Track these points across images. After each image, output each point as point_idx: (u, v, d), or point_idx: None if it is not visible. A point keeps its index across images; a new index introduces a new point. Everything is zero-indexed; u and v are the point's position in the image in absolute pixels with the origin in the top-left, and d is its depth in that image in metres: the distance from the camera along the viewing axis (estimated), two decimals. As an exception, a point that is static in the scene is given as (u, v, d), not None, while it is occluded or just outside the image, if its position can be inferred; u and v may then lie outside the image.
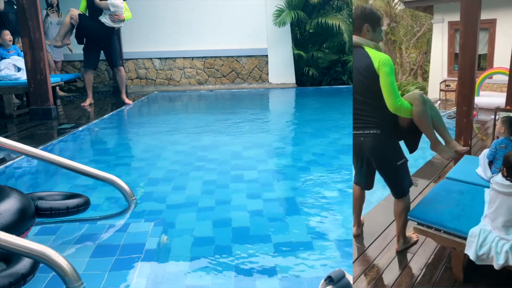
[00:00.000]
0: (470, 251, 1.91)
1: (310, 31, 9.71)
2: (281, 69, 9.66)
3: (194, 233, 2.40)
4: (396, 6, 11.91)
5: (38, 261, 1.76)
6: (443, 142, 2.34)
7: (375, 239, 2.52)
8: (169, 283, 1.94)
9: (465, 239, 1.95)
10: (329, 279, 1.29)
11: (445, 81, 9.70)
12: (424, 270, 2.22)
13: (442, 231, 2.07)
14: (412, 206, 2.35)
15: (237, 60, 9.76)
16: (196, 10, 9.45)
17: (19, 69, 6.30)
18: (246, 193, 3.06)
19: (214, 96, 8.96)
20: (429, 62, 10.32)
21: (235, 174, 3.52)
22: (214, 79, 9.79)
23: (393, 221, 2.54)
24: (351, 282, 1.31)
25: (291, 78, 9.63)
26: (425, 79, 10.38)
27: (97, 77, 9.78)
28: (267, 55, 9.68)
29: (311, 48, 9.62)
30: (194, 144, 4.64)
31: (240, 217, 2.62)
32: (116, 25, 7.06)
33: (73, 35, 7.23)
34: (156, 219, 2.58)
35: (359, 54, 2.08)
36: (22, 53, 6.45)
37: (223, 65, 9.76)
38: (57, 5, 8.43)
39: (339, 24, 8.89)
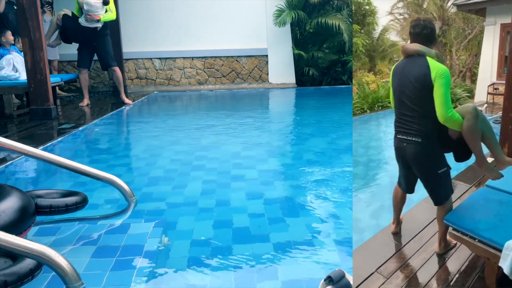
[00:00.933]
0: (505, 265, 1.83)
1: (310, 31, 9.71)
2: (281, 69, 9.66)
3: (194, 233, 2.40)
4: (449, 9, 11.89)
5: (38, 261, 1.76)
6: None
7: (412, 238, 2.53)
8: (169, 283, 1.94)
9: (500, 251, 1.88)
10: (329, 279, 1.29)
11: (493, 84, 9.42)
12: (457, 276, 2.20)
13: (476, 240, 2.02)
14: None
15: (237, 60, 9.76)
16: (196, 10, 9.45)
17: (16, 70, 6.30)
18: (246, 193, 3.06)
19: (214, 96, 8.96)
20: (478, 65, 10.28)
21: (235, 174, 3.52)
22: (214, 79, 9.79)
23: (431, 221, 2.56)
24: (351, 282, 1.31)
25: (291, 78, 9.63)
26: (474, 81, 10.35)
27: (97, 77, 9.79)
28: (267, 55, 9.68)
29: (311, 48, 9.62)
30: (194, 144, 4.65)
31: (240, 217, 2.63)
32: (90, 25, 6.89)
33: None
34: (156, 219, 2.58)
35: (418, 62, 2.12)
36: (22, 53, 6.46)
37: (223, 65, 9.76)
38: (52, 3, 8.44)
39: (339, 24, 8.89)
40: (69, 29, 7.04)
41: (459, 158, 2.30)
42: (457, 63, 12.21)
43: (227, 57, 9.73)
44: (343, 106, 7.12)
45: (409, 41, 2.28)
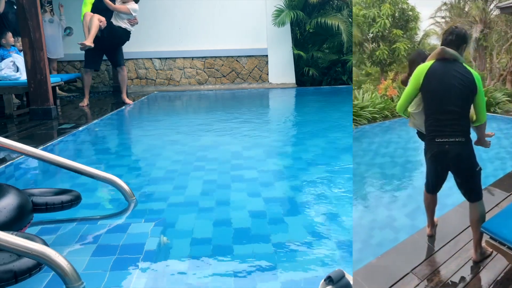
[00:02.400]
0: None
1: (310, 31, 9.71)
2: (281, 69, 9.66)
3: (194, 233, 2.40)
4: (491, 12, 11.94)
5: (38, 261, 1.76)
6: None
7: (448, 242, 2.49)
8: (169, 283, 1.94)
9: None
10: (329, 279, 1.29)
11: (533, 88, 9.31)
12: (492, 286, 2.14)
13: None
14: (488, 217, 2.28)
15: (237, 60, 9.76)
16: (196, 10, 9.45)
17: (17, 69, 6.31)
18: (246, 192, 3.06)
19: (214, 96, 8.96)
20: None
21: (235, 174, 3.52)
22: (214, 79, 9.79)
23: (467, 227, 2.50)
24: (351, 282, 1.31)
25: (291, 78, 9.64)
26: None
27: (97, 77, 9.79)
28: (267, 55, 9.68)
29: (311, 48, 9.62)
30: (194, 144, 4.65)
31: (240, 217, 2.63)
32: (131, 29, 7.22)
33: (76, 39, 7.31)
34: (156, 219, 2.58)
35: (459, 67, 2.21)
36: (21, 53, 6.46)
37: (223, 65, 9.76)
38: (51, 2, 8.46)
39: (339, 24, 8.89)
40: (113, 32, 7.13)
41: None
42: (498, 66, 12.20)
43: (227, 57, 9.73)
44: (343, 106, 7.12)
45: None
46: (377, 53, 11.07)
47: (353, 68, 9.98)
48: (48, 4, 8.35)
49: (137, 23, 7.23)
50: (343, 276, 1.29)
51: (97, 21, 6.91)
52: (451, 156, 2.22)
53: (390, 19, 10.90)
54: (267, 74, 9.77)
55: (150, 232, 2.38)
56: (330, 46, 9.61)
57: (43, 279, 1.90)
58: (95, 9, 6.98)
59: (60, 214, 2.59)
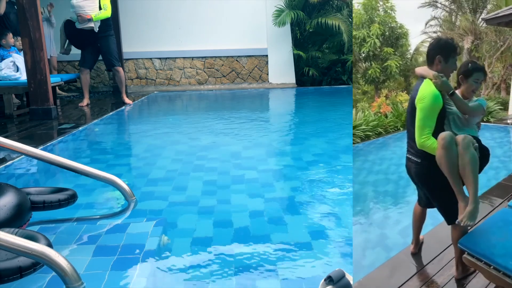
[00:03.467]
0: None
1: (310, 31, 9.71)
2: (281, 69, 9.66)
3: (194, 233, 2.40)
4: (481, 24, 12.04)
5: (38, 261, 1.77)
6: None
7: (431, 261, 2.42)
8: (169, 283, 1.94)
9: None
10: (329, 279, 1.29)
11: (527, 95, 8.97)
12: None
13: (492, 267, 1.84)
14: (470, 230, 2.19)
15: (237, 60, 9.76)
16: (196, 10, 9.45)
17: (17, 69, 6.31)
18: (247, 193, 3.06)
19: (214, 96, 8.96)
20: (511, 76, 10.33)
21: (235, 174, 3.52)
22: (214, 79, 9.79)
23: (450, 245, 2.41)
24: (351, 282, 1.31)
25: (291, 78, 9.64)
26: (509, 93, 10.37)
27: (97, 77, 9.79)
28: (267, 55, 9.68)
29: (311, 48, 9.62)
30: (194, 144, 4.65)
31: (240, 217, 2.62)
32: (84, 26, 6.77)
33: None
34: (156, 218, 2.58)
35: (417, 85, 2.08)
36: (21, 53, 6.46)
37: (223, 65, 9.76)
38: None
39: (339, 24, 8.89)
40: (69, 33, 7.04)
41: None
42: (490, 76, 12.24)
43: (227, 57, 9.73)
44: (343, 106, 7.12)
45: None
46: (369, 72, 11.29)
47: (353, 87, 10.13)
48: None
49: (84, 20, 6.68)
50: (343, 276, 1.29)
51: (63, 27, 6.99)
52: (412, 174, 2.18)
53: (380, 38, 11.16)
54: (267, 74, 9.77)
55: (150, 232, 2.38)
56: (330, 46, 9.61)
57: (43, 279, 1.90)
58: None
59: (60, 214, 2.60)
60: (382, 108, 9.48)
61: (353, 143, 6.90)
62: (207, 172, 3.58)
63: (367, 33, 10.82)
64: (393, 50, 11.40)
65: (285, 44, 9.53)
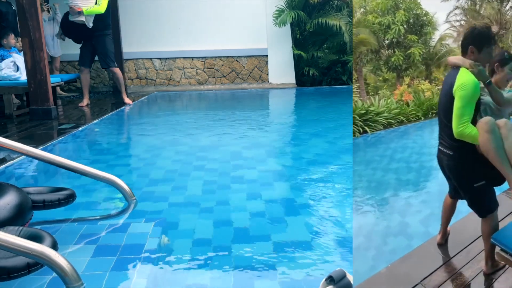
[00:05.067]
0: None
1: (310, 31, 9.71)
2: (281, 69, 9.66)
3: (194, 233, 2.40)
4: (507, 13, 11.88)
5: (38, 261, 1.76)
6: None
7: (459, 252, 2.40)
8: (169, 283, 1.94)
9: None
10: (330, 279, 1.28)
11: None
12: None
13: None
14: (502, 225, 2.17)
15: (237, 60, 9.76)
16: (196, 10, 9.45)
17: (18, 69, 6.31)
18: (246, 193, 3.05)
19: (214, 96, 8.96)
20: None
21: (235, 174, 3.52)
22: (214, 79, 9.79)
23: (479, 236, 2.38)
24: (351, 282, 1.30)
25: (291, 78, 9.63)
26: None
27: (97, 77, 9.79)
28: (267, 55, 9.68)
29: (311, 48, 9.61)
30: (194, 144, 4.64)
31: (240, 217, 2.62)
32: (75, 20, 6.67)
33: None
34: (156, 218, 2.58)
35: (452, 73, 2.04)
36: (21, 53, 6.46)
37: (223, 65, 9.76)
38: (48, 1, 8.43)
39: (339, 24, 8.89)
40: (66, 26, 7.00)
41: (490, 178, 2.09)
42: None
43: (227, 57, 9.73)
44: (343, 106, 7.12)
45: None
46: (392, 59, 11.18)
47: (369, 74, 10.05)
48: (45, 3, 8.34)
49: (75, 12, 6.60)
50: (344, 276, 1.28)
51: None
52: (444, 166, 2.16)
53: (404, 25, 11.01)
54: (267, 74, 9.76)
55: (150, 232, 2.38)
56: (330, 46, 9.60)
57: (43, 279, 1.90)
58: None
59: (60, 214, 2.60)
60: (404, 97, 9.44)
61: (375, 130, 6.96)
62: (207, 172, 3.58)
63: (392, 19, 10.71)
64: (417, 37, 11.26)
65: (285, 44, 9.53)
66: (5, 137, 3.06)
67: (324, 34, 9.46)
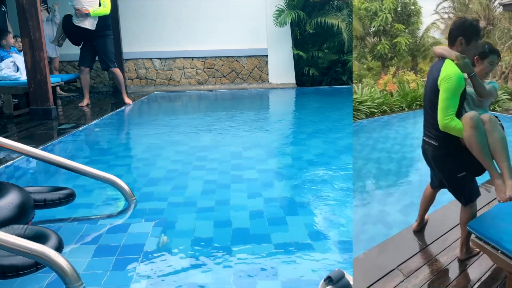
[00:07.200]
0: None
1: (310, 31, 9.71)
2: (281, 69, 9.66)
3: (194, 233, 2.40)
4: (495, 9, 11.87)
5: (35, 262, 1.77)
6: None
7: (435, 240, 2.48)
8: (169, 283, 1.94)
9: None
10: (329, 279, 1.29)
11: (533, 87, 8.86)
12: (477, 285, 2.13)
13: (499, 251, 1.91)
14: (479, 214, 2.24)
15: (237, 60, 9.76)
16: (196, 10, 9.45)
17: (17, 69, 6.31)
18: (246, 193, 3.06)
19: (214, 96, 8.96)
20: None
21: (235, 174, 3.52)
22: (214, 79, 9.79)
23: (456, 225, 2.48)
24: (351, 283, 1.31)
25: (291, 78, 9.63)
26: None
27: (97, 77, 9.79)
28: (267, 55, 9.68)
29: (311, 48, 9.62)
30: (194, 144, 4.65)
31: (240, 217, 2.63)
32: (81, 21, 6.72)
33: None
34: (156, 218, 2.58)
35: (437, 65, 2.04)
36: (21, 53, 6.47)
37: (223, 65, 9.76)
38: (46, 2, 8.43)
39: (339, 24, 8.89)
40: (66, 28, 7.01)
41: (471, 170, 2.13)
42: (500, 64, 12.17)
43: (227, 57, 9.73)
44: (343, 106, 7.12)
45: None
46: (378, 47, 11.02)
47: (354, 62, 9.94)
48: (43, 4, 8.34)
49: (82, 14, 6.65)
50: (343, 276, 1.29)
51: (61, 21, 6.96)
52: (429, 157, 2.19)
53: (392, 13, 10.83)
54: (267, 74, 9.77)
55: (150, 232, 2.39)
56: (330, 46, 9.61)
57: (43, 279, 1.90)
58: None
59: (60, 214, 2.60)
60: (388, 86, 9.40)
61: (358, 119, 6.97)
62: (207, 172, 3.58)
63: (380, 6, 10.51)
64: (404, 27, 11.09)
65: (285, 44, 9.53)
66: (5, 137, 3.06)
67: (324, 34, 9.46)
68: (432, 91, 2.01)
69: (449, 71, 1.95)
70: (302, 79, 9.62)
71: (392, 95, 8.94)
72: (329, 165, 3.71)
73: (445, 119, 1.94)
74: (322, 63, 9.53)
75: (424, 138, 2.19)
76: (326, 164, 3.75)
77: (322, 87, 9.56)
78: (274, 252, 2.16)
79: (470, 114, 1.97)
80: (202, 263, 2.08)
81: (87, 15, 6.67)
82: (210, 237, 2.35)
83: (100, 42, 7.04)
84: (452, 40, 2.05)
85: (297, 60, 9.56)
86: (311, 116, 6.43)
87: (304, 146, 4.52)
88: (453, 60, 1.99)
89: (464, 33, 2.02)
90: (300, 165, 3.77)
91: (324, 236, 2.35)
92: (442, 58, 2.04)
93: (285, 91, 9.20)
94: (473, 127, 1.93)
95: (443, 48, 2.08)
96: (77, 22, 6.74)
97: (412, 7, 11.35)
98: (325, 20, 9.00)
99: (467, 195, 2.17)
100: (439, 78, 1.96)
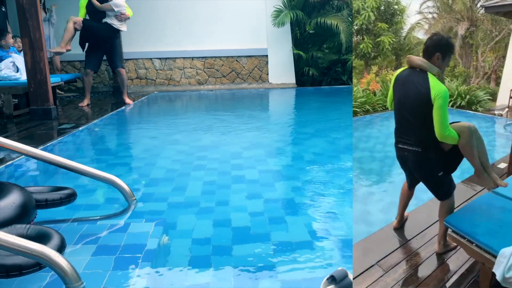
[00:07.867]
0: (498, 271, 1.83)
1: (310, 31, 9.70)
2: (281, 69, 9.66)
3: (194, 233, 2.40)
4: (478, 11, 11.92)
5: (38, 261, 1.76)
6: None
7: (415, 236, 2.60)
8: (170, 283, 1.93)
9: (496, 257, 1.88)
10: (332, 278, 1.28)
11: (515, 88, 8.87)
12: (453, 277, 2.24)
13: (474, 244, 2.04)
14: (455, 210, 2.38)
15: (237, 60, 9.76)
16: (196, 10, 9.44)
17: (17, 69, 6.30)
18: (246, 193, 3.05)
19: (214, 96, 8.96)
20: (503, 67, 10.23)
21: (235, 174, 3.52)
22: (214, 79, 9.78)
23: (435, 221, 2.61)
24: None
25: (291, 78, 9.63)
26: (498, 84, 10.26)
27: (97, 77, 9.78)
28: (267, 55, 9.68)
29: (311, 48, 9.61)
30: (194, 144, 4.64)
31: (240, 217, 2.62)
32: (123, 25, 7.12)
33: (75, 41, 7.22)
34: (156, 219, 2.57)
35: (420, 77, 2.18)
36: (20, 53, 6.46)
37: (223, 65, 9.76)
38: (44, 2, 8.43)
39: (337, 24, 8.88)
40: (94, 30, 7.05)
41: (448, 168, 2.38)
42: (482, 65, 12.18)
43: (227, 57, 9.72)
44: (343, 106, 7.11)
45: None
46: (361, 46, 10.99)
47: (353, 60, 9.91)
48: (40, 4, 8.34)
49: (126, 18, 7.09)
50: (346, 275, 1.28)
51: (71, 24, 6.95)
52: (410, 162, 2.35)
53: (375, 12, 10.80)
54: (267, 74, 9.76)
55: (150, 232, 2.38)
56: (330, 46, 9.60)
57: (43, 279, 1.89)
58: (90, 11, 7.03)
59: (60, 214, 2.59)
60: (371, 85, 9.40)
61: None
62: (207, 172, 3.57)
63: (362, 4, 10.49)
64: (387, 26, 11.08)
65: (285, 44, 9.52)
66: (5, 137, 3.05)
67: (324, 34, 9.45)
68: (422, 103, 2.15)
69: (440, 88, 2.13)
70: (302, 79, 9.62)
71: (375, 94, 8.95)
72: (329, 165, 3.70)
73: (446, 131, 2.14)
74: (322, 63, 9.52)
75: (401, 146, 2.35)
76: (327, 164, 3.74)
77: (322, 87, 9.55)
78: (274, 252, 2.15)
79: (466, 124, 2.23)
80: (202, 263, 2.07)
81: (128, 18, 7.13)
82: (210, 237, 2.35)
83: (115, 44, 7.32)
84: (428, 54, 2.22)
85: (297, 60, 9.55)
86: (311, 116, 6.43)
87: (304, 145, 4.51)
88: (434, 75, 2.16)
89: (441, 49, 2.20)
90: (300, 165, 3.76)
91: (324, 236, 2.34)
92: (422, 71, 2.20)
93: (285, 91, 9.20)
94: (470, 136, 2.19)
95: (422, 61, 2.23)
96: (120, 26, 7.10)
97: (396, 6, 11.34)
98: (325, 20, 8.99)
99: (445, 190, 2.37)
100: (432, 95, 2.12)
